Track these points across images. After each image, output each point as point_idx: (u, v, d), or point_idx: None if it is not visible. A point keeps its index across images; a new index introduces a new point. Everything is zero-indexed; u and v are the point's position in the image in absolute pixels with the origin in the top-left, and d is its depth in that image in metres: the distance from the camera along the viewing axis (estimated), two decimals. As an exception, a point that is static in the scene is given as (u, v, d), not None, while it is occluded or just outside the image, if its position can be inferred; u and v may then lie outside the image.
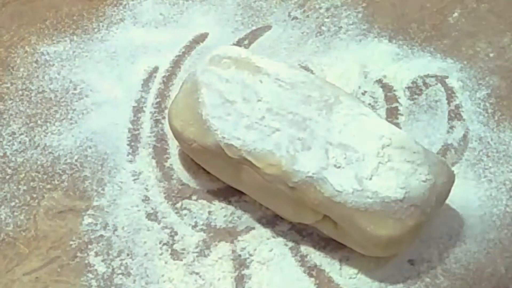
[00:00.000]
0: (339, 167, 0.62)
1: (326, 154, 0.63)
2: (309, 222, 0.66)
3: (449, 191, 0.64)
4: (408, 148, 0.62)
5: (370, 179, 0.61)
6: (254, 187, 0.66)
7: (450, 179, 0.64)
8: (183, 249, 0.66)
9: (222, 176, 0.69)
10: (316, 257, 0.65)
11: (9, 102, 0.77)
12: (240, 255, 0.65)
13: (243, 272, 0.64)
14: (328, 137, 0.63)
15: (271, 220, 0.67)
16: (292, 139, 0.63)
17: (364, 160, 0.62)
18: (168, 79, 0.78)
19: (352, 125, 0.64)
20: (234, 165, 0.65)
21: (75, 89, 0.78)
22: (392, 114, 0.74)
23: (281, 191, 0.64)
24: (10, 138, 0.74)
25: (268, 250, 0.66)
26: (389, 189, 0.60)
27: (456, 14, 0.84)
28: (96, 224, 0.67)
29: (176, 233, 0.67)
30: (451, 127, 0.73)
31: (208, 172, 0.70)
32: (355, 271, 0.64)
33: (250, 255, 0.65)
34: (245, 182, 0.67)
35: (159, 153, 0.72)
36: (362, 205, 0.60)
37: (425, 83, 0.77)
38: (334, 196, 0.61)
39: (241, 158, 0.64)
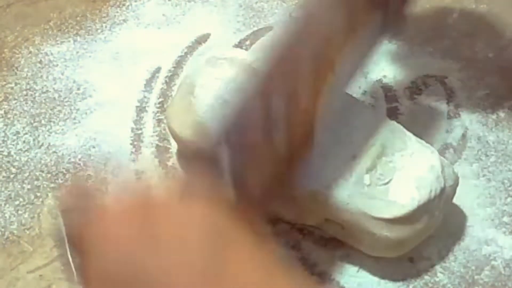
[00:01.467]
0: (347, 174, 0.61)
1: (332, 161, 0.62)
2: (311, 224, 0.66)
3: (455, 192, 0.64)
4: (418, 153, 0.63)
5: (380, 186, 0.61)
6: None
7: (456, 182, 0.64)
8: (186, 247, 0.66)
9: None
10: (317, 255, 0.65)
11: (14, 102, 0.77)
12: (241, 253, 0.66)
13: (244, 270, 0.65)
14: (334, 143, 0.63)
15: (273, 219, 0.67)
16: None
17: (373, 167, 0.62)
18: (170, 79, 0.79)
19: (359, 131, 0.64)
20: None
21: (78, 89, 0.78)
22: (392, 114, 0.75)
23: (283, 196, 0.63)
24: (15, 137, 0.74)
25: (269, 248, 0.66)
26: (400, 196, 0.60)
27: (455, 15, 0.84)
28: (99, 223, 0.68)
29: (178, 232, 0.67)
30: (450, 127, 0.74)
31: (209, 171, 0.70)
32: (356, 268, 0.64)
33: (252, 253, 0.66)
34: None
35: (162, 152, 0.73)
36: (371, 212, 0.60)
37: (424, 83, 0.78)
38: (341, 203, 0.61)
39: None
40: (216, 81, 0.67)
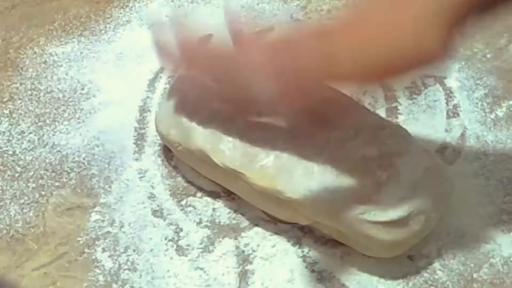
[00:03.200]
0: (338, 180, 0.61)
1: (324, 166, 0.61)
2: (303, 223, 0.66)
3: (451, 194, 0.64)
4: (414, 155, 0.62)
5: (374, 192, 0.60)
6: (245, 192, 0.66)
7: (452, 184, 0.64)
8: (188, 245, 0.67)
9: (213, 179, 0.69)
10: (318, 253, 0.66)
11: (19, 102, 0.78)
12: (243, 251, 0.66)
13: (246, 268, 0.65)
14: (325, 146, 0.62)
15: (274, 217, 0.68)
16: (286, 150, 0.63)
17: (366, 173, 0.61)
18: (173, 79, 0.79)
19: (356, 132, 0.63)
20: (222, 169, 0.65)
21: (82, 89, 0.79)
22: (391, 114, 0.75)
23: (274, 198, 0.63)
24: (19, 137, 0.75)
25: (271, 246, 0.66)
26: (395, 202, 0.60)
27: (454, 16, 0.85)
28: (103, 221, 0.68)
29: (181, 230, 0.68)
30: (449, 126, 0.74)
31: (211, 170, 0.71)
32: (356, 266, 0.65)
33: (254, 251, 0.66)
34: (235, 186, 0.67)
35: (165, 151, 0.73)
36: (365, 217, 0.60)
37: (424, 83, 0.78)
38: (334, 208, 0.61)
39: (228, 168, 0.64)
40: (197, 85, 0.67)
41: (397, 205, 0.60)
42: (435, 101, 0.76)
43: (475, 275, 0.64)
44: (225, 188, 0.70)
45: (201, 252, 0.66)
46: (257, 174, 0.62)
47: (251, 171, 0.63)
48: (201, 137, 0.65)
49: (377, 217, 0.60)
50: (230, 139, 0.64)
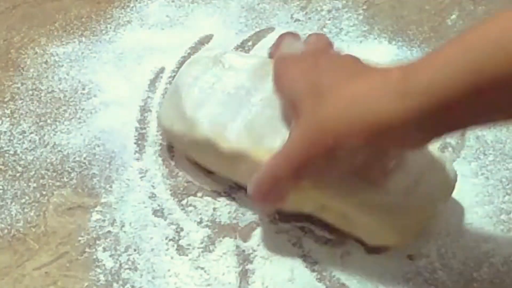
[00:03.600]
0: None
1: None
2: (308, 210, 0.65)
3: (454, 187, 0.65)
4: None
5: (383, 179, 0.61)
6: (250, 179, 0.66)
7: (455, 177, 0.65)
8: (189, 245, 0.67)
9: (217, 169, 0.70)
10: (318, 252, 0.66)
11: (20, 101, 0.78)
12: (244, 251, 0.66)
13: (247, 267, 0.65)
14: None
15: (274, 217, 0.68)
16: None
17: (375, 159, 0.61)
18: (173, 79, 0.80)
19: None
20: (227, 158, 0.65)
21: (83, 89, 0.79)
22: (392, 114, 0.75)
23: None
24: (21, 136, 0.75)
25: (271, 245, 0.66)
26: (402, 189, 0.61)
27: (454, 16, 0.85)
28: (104, 221, 0.68)
29: (181, 229, 0.68)
30: (449, 126, 0.74)
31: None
32: (356, 266, 0.65)
33: (254, 250, 0.66)
34: (239, 174, 0.67)
35: (165, 151, 0.73)
36: (371, 204, 0.61)
37: (424, 83, 0.78)
38: (342, 192, 0.61)
39: (234, 152, 0.64)
40: (198, 79, 0.68)
41: (403, 191, 0.61)
42: (435, 101, 0.76)
43: (475, 275, 0.64)
44: (226, 187, 0.70)
45: (202, 251, 0.66)
46: (264, 153, 0.62)
47: (257, 151, 0.63)
48: (206, 125, 0.66)
49: (384, 201, 0.61)
50: (235, 126, 0.64)
